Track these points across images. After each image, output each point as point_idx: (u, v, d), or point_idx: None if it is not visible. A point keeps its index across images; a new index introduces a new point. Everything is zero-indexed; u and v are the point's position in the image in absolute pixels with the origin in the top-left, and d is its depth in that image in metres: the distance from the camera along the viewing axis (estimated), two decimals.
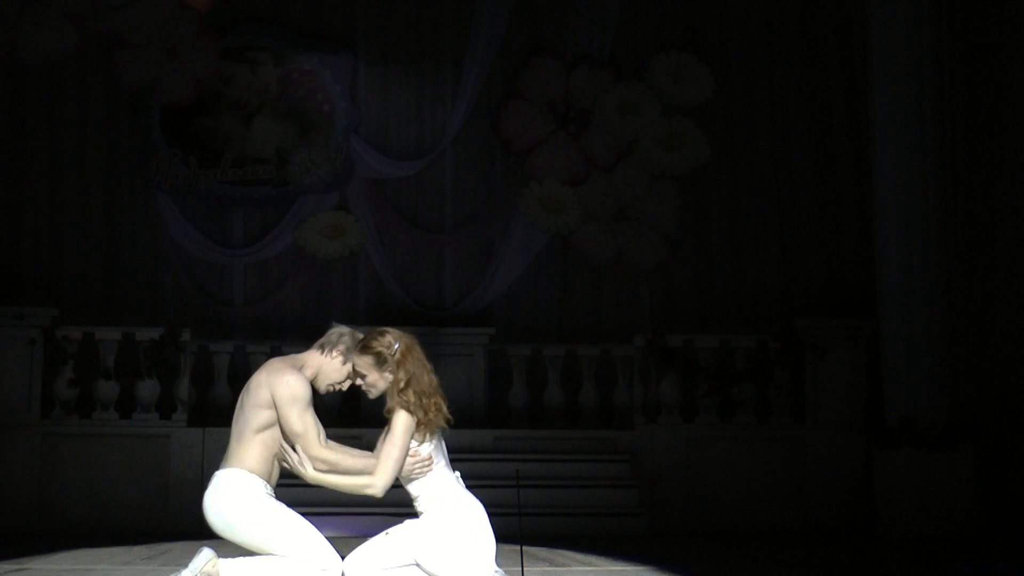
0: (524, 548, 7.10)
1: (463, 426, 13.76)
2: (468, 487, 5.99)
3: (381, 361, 5.85)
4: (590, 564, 9.82)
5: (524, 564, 7.03)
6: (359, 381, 5.95)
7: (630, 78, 14.93)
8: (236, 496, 5.74)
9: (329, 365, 5.96)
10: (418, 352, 5.91)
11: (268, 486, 5.84)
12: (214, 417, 13.45)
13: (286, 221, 14.78)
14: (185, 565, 5.78)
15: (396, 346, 5.85)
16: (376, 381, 5.90)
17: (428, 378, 5.87)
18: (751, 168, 14.96)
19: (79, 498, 12.85)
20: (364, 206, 14.82)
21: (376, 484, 5.76)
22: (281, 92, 14.87)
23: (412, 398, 5.79)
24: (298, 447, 5.79)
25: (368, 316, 14.60)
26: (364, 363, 5.89)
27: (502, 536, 5.87)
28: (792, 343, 13.59)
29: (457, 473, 5.92)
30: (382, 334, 5.90)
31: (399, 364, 5.83)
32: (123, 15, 14.30)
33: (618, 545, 11.08)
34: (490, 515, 5.93)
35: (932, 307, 12.69)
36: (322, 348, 5.97)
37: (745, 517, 13.13)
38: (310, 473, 5.78)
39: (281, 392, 5.76)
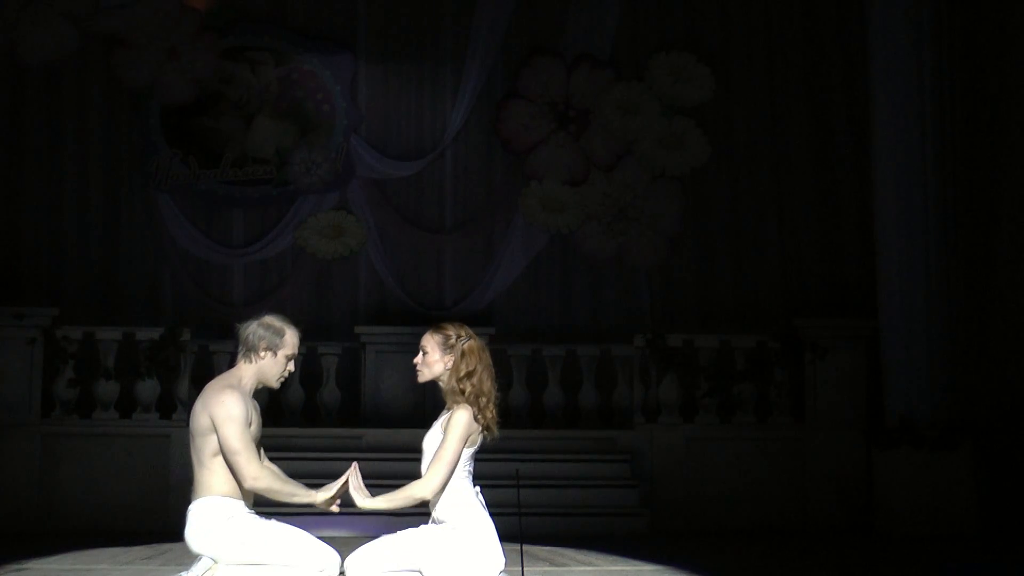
0: (524, 548, 7.10)
1: None
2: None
3: (447, 344, 5.92)
4: (590, 564, 9.82)
5: (524, 564, 7.02)
6: (418, 359, 5.98)
7: (630, 78, 14.93)
8: (213, 525, 5.72)
9: (264, 366, 5.90)
10: (488, 359, 5.97)
11: (244, 504, 5.80)
12: None
13: (286, 221, 14.78)
14: (186, 567, 5.78)
15: (467, 340, 5.90)
16: (434, 362, 5.94)
17: (491, 385, 5.92)
18: (751, 168, 14.96)
19: (79, 498, 12.85)
20: (364, 206, 14.83)
21: (424, 487, 5.77)
22: (281, 92, 14.87)
23: (469, 388, 5.84)
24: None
25: (368, 316, 14.62)
26: (432, 341, 5.95)
27: (502, 536, 5.88)
28: (792, 343, 13.59)
29: (478, 488, 5.95)
30: (461, 326, 6.00)
31: (464, 355, 5.89)
32: (123, 15, 14.29)
33: (618, 545, 11.07)
34: (490, 515, 5.94)
35: (932, 307, 12.69)
36: (247, 357, 5.92)
37: (745, 517, 13.13)
38: (364, 504, 5.74)
39: (217, 412, 5.72)
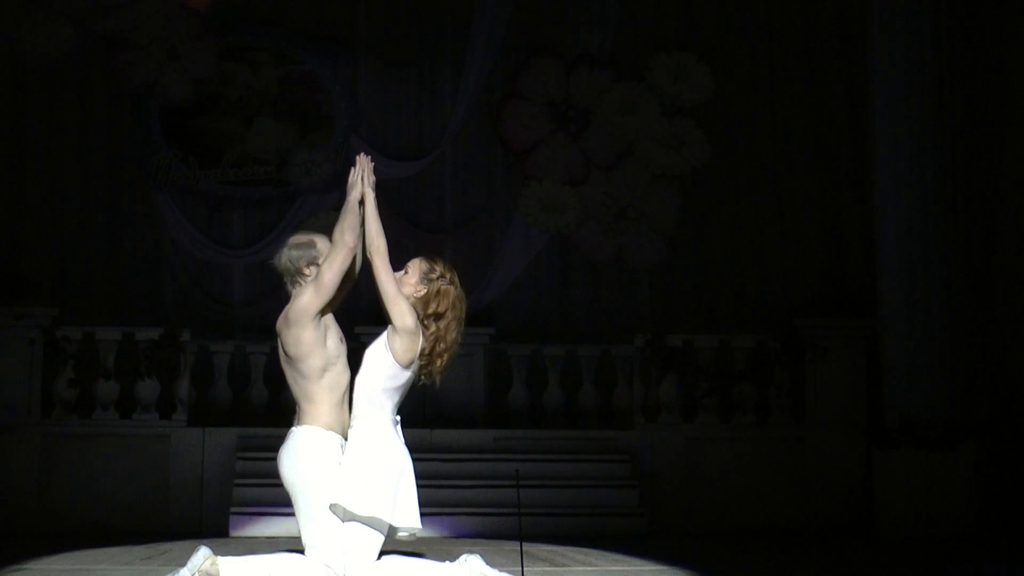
0: (524, 548, 7.10)
1: (463, 426, 13.81)
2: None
3: (427, 277, 5.95)
4: (590, 564, 9.81)
5: (524, 564, 7.03)
6: (399, 274, 6.00)
7: (630, 78, 14.94)
8: (313, 457, 5.76)
9: (322, 273, 5.96)
10: (461, 312, 5.99)
11: (341, 437, 5.84)
12: (214, 417, 13.47)
13: (286, 221, 14.78)
14: (184, 564, 5.78)
15: (447, 283, 5.94)
16: (409, 284, 5.96)
17: (455, 336, 5.93)
18: (751, 168, 14.96)
19: (79, 498, 12.85)
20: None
21: (379, 248, 5.97)
22: (281, 92, 14.88)
23: (432, 329, 5.84)
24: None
25: (368, 316, 14.59)
26: (416, 266, 6.02)
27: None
28: (792, 343, 13.59)
29: (398, 418, 5.94)
30: (450, 269, 6.02)
31: (438, 293, 5.89)
32: (123, 15, 14.31)
33: (618, 545, 11.07)
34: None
35: (932, 307, 12.69)
36: (295, 282, 6.04)
37: (745, 517, 13.13)
38: (368, 192, 6.15)
39: (300, 305, 5.85)
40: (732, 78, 14.99)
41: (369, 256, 5.98)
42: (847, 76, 14.70)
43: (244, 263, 14.75)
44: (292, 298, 6.00)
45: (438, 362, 5.90)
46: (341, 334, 6.02)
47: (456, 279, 6.02)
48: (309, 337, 5.82)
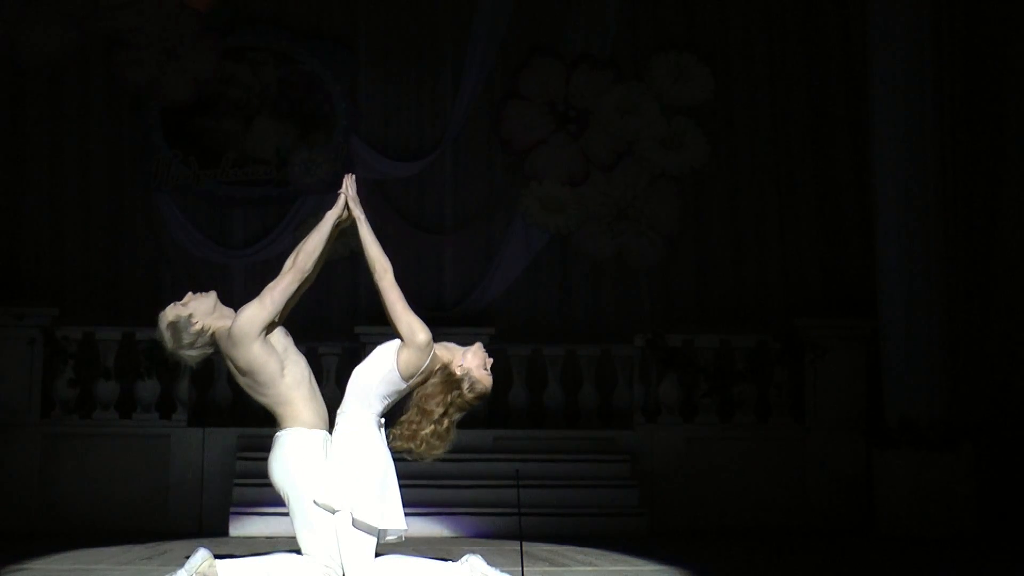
0: (524, 548, 7.10)
1: (463, 426, 13.81)
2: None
3: (465, 383, 5.82)
4: (590, 564, 9.81)
5: (524, 564, 7.03)
6: (473, 349, 5.88)
7: (630, 78, 14.94)
8: (302, 459, 5.76)
9: (208, 317, 5.92)
10: (449, 437, 5.87)
11: (326, 432, 5.83)
12: (214, 417, 13.47)
13: (286, 221, 14.79)
14: (182, 565, 5.79)
15: (458, 402, 5.81)
16: (466, 360, 5.83)
17: (423, 451, 5.82)
18: (751, 168, 14.96)
19: (79, 498, 12.85)
20: (364, 206, 14.78)
21: (386, 272, 6.00)
22: (281, 92, 14.88)
23: (415, 423, 5.75)
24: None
25: (368, 316, 14.62)
26: (482, 366, 5.88)
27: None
28: (792, 343, 13.60)
29: (383, 420, 5.91)
30: (466, 409, 5.88)
31: (444, 395, 5.80)
32: (123, 15, 14.31)
33: (618, 544, 11.07)
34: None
35: (932, 307, 12.69)
36: (211, 343, 5.97)
37: (745, 517, 13.14)
38: (359, 216, 5.82)
39: (238, 327, 5.80)
40: (732, 78, 15.00)
41: (376, 282, 5.94)
42: (847, 76, 14.70)
43: (244, 263, 14.75)
44: (234, 317, 5.93)
45: (398, 442, 5.86)
46: (283, 328, 6.01)
47: (457, 418, 5.91)
48: (258, 349, 5.80)
